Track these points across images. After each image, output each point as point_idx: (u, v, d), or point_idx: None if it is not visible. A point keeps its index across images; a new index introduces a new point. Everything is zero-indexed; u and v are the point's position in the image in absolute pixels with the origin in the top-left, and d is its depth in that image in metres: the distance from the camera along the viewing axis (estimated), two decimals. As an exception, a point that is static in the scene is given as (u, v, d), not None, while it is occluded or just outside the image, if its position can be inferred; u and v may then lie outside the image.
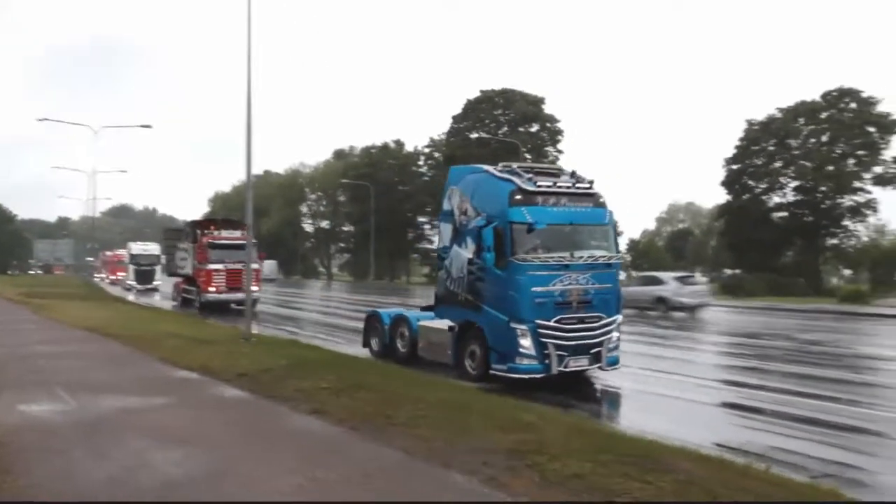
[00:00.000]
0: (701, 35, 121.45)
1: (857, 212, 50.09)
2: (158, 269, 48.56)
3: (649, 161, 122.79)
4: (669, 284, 28.90)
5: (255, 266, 27.61)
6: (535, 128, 62.84)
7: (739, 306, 35.61)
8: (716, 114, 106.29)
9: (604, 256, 12.20)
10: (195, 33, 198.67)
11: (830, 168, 49.59)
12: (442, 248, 13.46)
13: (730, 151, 53.54)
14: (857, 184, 49.29)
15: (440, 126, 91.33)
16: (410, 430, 7.61)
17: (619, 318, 12.32)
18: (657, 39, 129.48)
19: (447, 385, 10.55)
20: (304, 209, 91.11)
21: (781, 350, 18.42)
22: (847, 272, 57.12)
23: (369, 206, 67.41)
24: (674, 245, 70.72)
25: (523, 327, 11.36)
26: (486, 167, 12.72)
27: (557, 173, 12.64)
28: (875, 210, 49.84)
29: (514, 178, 11.78)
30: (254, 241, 28.53)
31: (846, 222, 50.91)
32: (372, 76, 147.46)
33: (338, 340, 18.40)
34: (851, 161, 49.43)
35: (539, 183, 11.75)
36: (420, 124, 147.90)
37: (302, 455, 6.97)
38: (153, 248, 51.11)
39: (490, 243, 11.56)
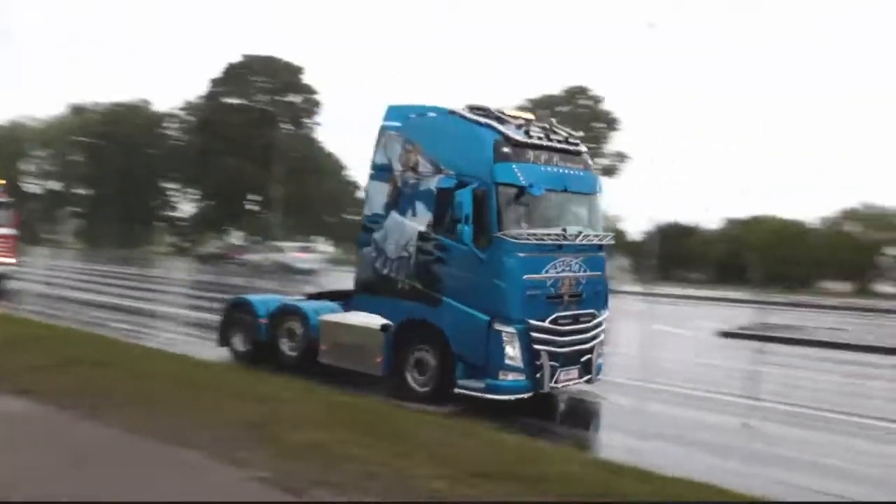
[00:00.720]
0: (467, 23, 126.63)
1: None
2: None
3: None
4: (287, 253, 36.16)
5: (10, 231, 21.55)
6: (294, 98, 61.49)
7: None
8: (478, 98, 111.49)
9: (598, 235, 9.70)
10: None
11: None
12: (371, 217, 10.04)
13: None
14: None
15: (198, 88, 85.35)
16: (138, 407, 7.09)
17: (607, 314, 9.96)
18: (422, 21, 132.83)
19: (182, 359, 9.96)
20: (29, 167, 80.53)
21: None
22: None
23: (109, 169, 61.51)
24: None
25: (510, 330, 8.55)
26: (449, 107, 9.57)
27: (526, 122, 9.45)
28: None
29: (496, 124, 8.94)
30: (10, 199, 23.52)
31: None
32: (120, 28, 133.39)
33: (58, 313, 16.51)
34: (584, 153, 55.29)
35: (532, 133, 9.10)
36: (175, 85, 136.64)
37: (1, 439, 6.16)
38: None
39: (468, 212, 8.60)
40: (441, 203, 8.99)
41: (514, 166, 8.68)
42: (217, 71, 60.98)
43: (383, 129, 10.04)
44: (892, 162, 72.93)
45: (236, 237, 59.02)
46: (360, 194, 62.31)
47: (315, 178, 58.75)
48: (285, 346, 10.70)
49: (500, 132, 8.81)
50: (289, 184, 54.12)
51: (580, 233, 9.25)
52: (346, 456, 5.89)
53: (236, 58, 60.39)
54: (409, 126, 9.73)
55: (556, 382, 8.89)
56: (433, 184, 9.17)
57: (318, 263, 36.67)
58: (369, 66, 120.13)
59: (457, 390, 8.80)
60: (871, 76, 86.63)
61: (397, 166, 9.68)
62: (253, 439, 6.23)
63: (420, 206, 9.32)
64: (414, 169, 9.46)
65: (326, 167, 62.02)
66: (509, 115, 9.30)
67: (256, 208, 60.69)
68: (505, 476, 5.57)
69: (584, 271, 9.30)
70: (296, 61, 60.90)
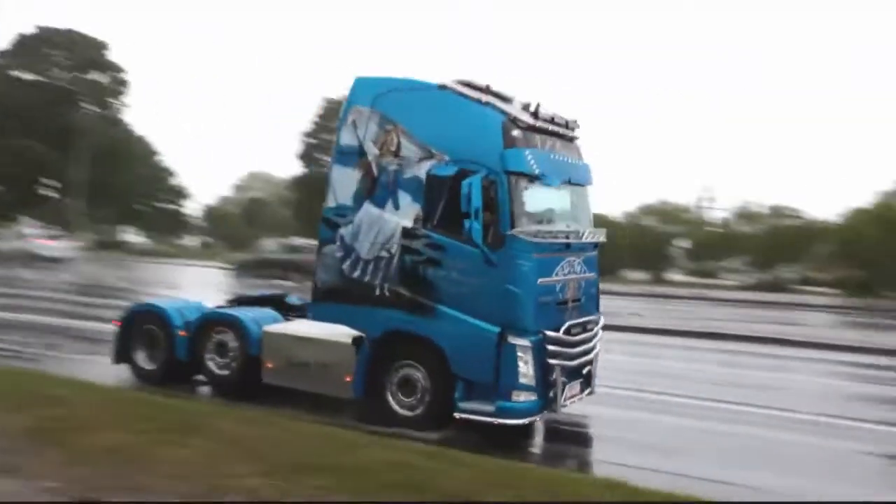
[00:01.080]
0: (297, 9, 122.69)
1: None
2: None
3: (229, 128, 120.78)
4: (32, 240, 35.59)
5: None
6: (98, 76, 56.54)
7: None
8: (301, 88, 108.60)
9: (597, 232, 8.70)
10: None
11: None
12: (335, 208, 8.37)
13: (308, 126, 55.91)
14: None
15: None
16: None
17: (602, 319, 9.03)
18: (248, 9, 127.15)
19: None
20: None
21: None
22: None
23: None
24: (249, 212, 71.64)
25: (526, 343, 7.34)
26: (437, 81, 8.02)
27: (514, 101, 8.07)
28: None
29: (499, 103, 7.67)
30: None
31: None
32: None
33: None
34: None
35: (540, 115, 7.89)
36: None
37: None
38: None
39: (478, 206, 7.31)
40: (434, 193, 7.67)
41: (526, 153, 7.53)
42: (5, 42, 54.79)
43: (351, 105, 8.39)
44: (683, 163, 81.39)
45: (28, 224, 53.61)
46: (174, 181, 58.59)
47: (123, 162, 54.48)
48: (213, 364, 8.96)
49: (505, 113, 7.62)
50: (93, 169, 49.74)
51: (586, 230, 8.44)
52: (151, 458, 5.55)
53: (29, 29, 54.54)
54: (385, 102, 8.17)
55: (564, 401, 7.88)
56: (422, 170, 7.79)
57: (67, 251, 36.04)
58: (181, 47, 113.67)
59: (458, 415, 7.55)
60: (681, 80, 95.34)
61: (371, 149, 8.13)
62: (39, 447, 5.66)
63: (404, 197, 7.87)
64: (395, 152, 7.98)
65: (136, 152, 57.78)
66: (507, 94, 7.98)
67: (55, 195, 55.21)
68: (323, 468, 5.47)
69: (585, 272, 8.41)
70: (100, 36, 56.31)
